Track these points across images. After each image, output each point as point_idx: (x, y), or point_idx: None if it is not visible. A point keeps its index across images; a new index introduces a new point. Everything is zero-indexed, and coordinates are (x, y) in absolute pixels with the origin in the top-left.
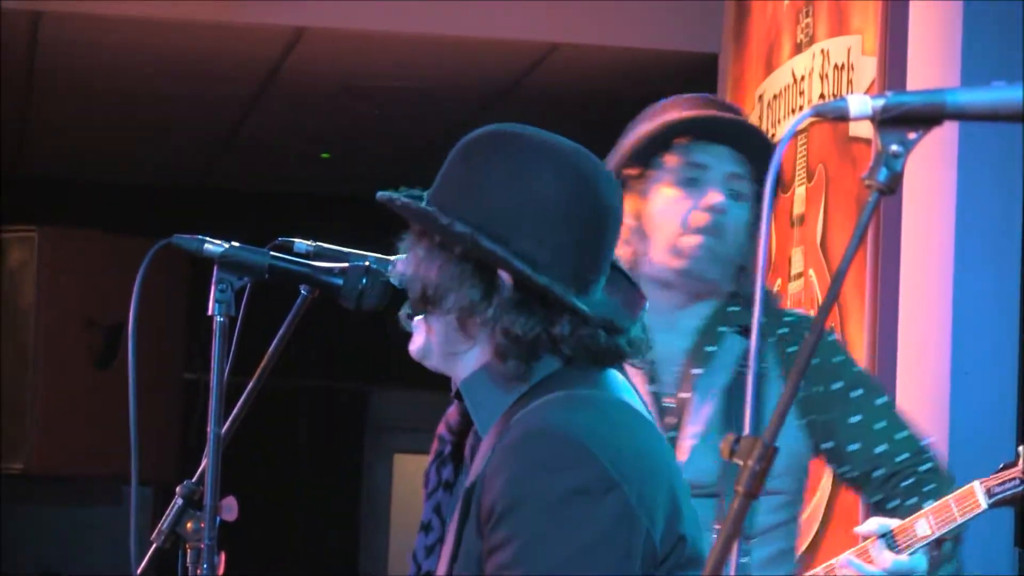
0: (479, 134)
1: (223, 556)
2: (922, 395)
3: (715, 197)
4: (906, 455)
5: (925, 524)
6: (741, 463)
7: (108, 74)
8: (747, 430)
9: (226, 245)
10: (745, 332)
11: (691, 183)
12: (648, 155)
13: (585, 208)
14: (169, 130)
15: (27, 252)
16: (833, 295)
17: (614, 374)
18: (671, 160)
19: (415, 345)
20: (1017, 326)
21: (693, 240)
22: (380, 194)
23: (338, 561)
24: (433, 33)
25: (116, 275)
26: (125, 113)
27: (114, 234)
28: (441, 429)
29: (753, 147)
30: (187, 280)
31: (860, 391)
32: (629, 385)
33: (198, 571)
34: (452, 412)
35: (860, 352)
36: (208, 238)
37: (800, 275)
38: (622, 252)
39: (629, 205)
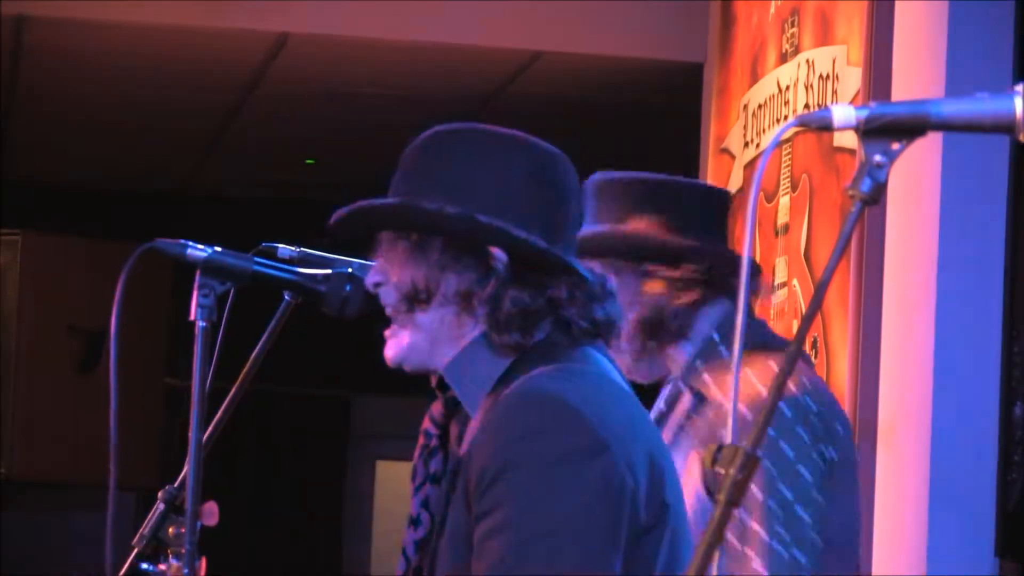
0: (433, 132)
1: (203, 562)
2: (904, 405)
3: None
4: None
5: None
6: (723, 472)
7: (92, 79)
8: (731, 438)
9: (209, 250)
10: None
11: None
12: None
13: (548, 186)
14: (153, 135)
15: (10, 256)
16: (816, 305)
17: (596, 353)
18: None
19: (395, 351)
20: (1000, 335)
21: None
22: (339, 212)
23: (320, 567)
24: (417, 40)
25: (99, 280)
26: (109, 118)
27: (97, 239)
28: (426, 423)
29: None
30: (170, 285)
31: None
32: (612, 364)
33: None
34: (436, 405)
35: (843, 362)
36: (191, 243)
37: (784, 285)
38: None
39: None
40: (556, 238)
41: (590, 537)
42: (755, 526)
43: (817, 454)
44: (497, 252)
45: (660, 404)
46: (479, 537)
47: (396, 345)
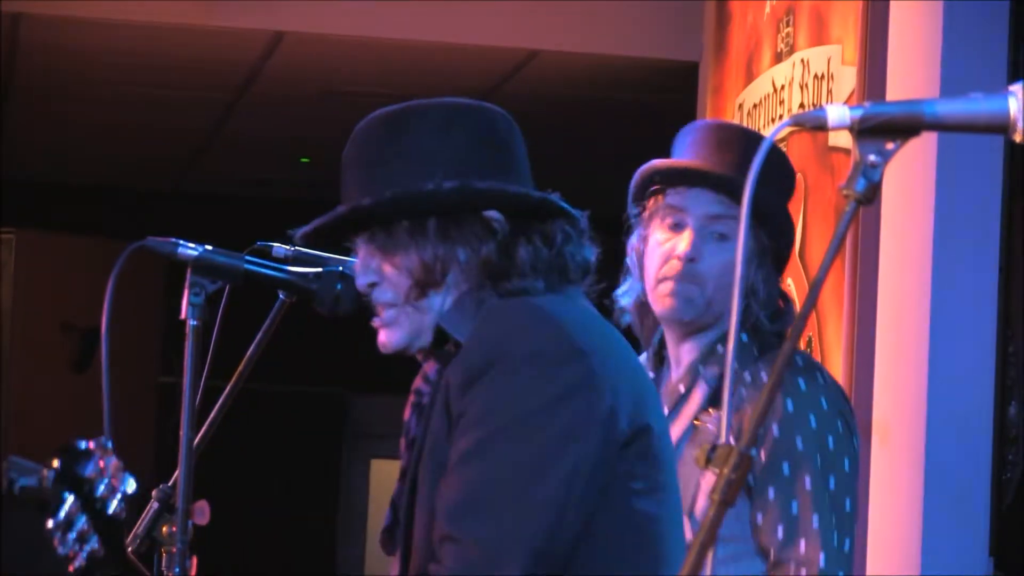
0: (371, 121)
1: (194, 560)
2: (899, 404)
3: (683, 245)
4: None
5: None
6: (717, 471)
7: (87, 77)
8: (724, 438)
9: (200, 249)
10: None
11: (675, 227)
12: (642, 196)
13: (500, 141)
14: (148, 134)
15: (5, 254)
16: (810, 304)
17: (579, 295)
18: (656, 203)
19: (395, 337)
20: (995, 334)
21: (666, 288)
22: (319, 222)
23: (315, 566)
24: (413, 39)
25: (94, 279)
26: (104, 116)
27: (92, 238)
28: (418, 382)
29: (736, 187)
30: (164, 284)
31: (801, 474)
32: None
33: (170, 575)
34: (429, 364)
35: (837, 361)
36: (182, 241)
37: None
38: (630, 286)
39: (635, 241)
40: (528, 184)
41: (558, 431)
42: (806, 514)
43: (852, 447)
44: (492, 214)
45: (680, 386)
46: (456, 435)
47: (395, 332)
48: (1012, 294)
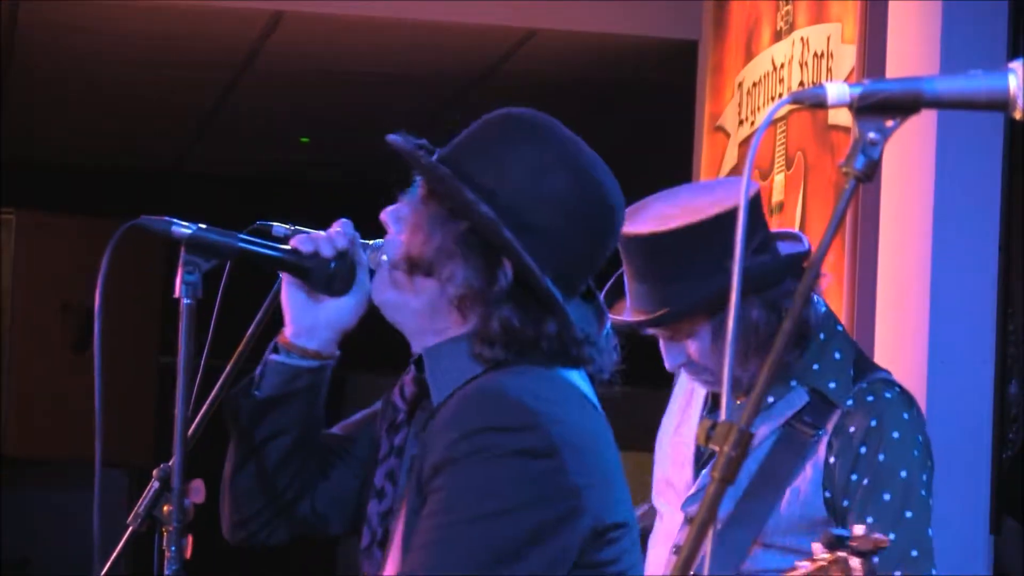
0: (511, 114)
1: (190, 539)
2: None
3: (668, 362)
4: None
5: None
6: (717, 449)
7: (86, 57)
8: (724, 414)
9: (193, 227)
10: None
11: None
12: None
13: (594, 217)
14: (147, 114)
15: (5, 235)
16: (810, 283)
17: (571, 372)
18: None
19: (385, 294)
20: (995, 315)
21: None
22: (393, 138)
23: (312, 543)
24: (412, 18)
25: (93, 259)
26: (103, 96)
27: (91, 218)
28: (394, 396)
29: (668, 318)
30: (163, 263)
31: (890, 496)
32: (588, 384)
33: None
34: (407, 380)
35: None
36: (176, 220)
37: None
38: None
39: None
40: (574, 274)
41: (514, 532)
42: (905, 546)
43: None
44: (508, 267)
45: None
46: (422, 519)
47: (380, 287)
48: (1012, 272)
